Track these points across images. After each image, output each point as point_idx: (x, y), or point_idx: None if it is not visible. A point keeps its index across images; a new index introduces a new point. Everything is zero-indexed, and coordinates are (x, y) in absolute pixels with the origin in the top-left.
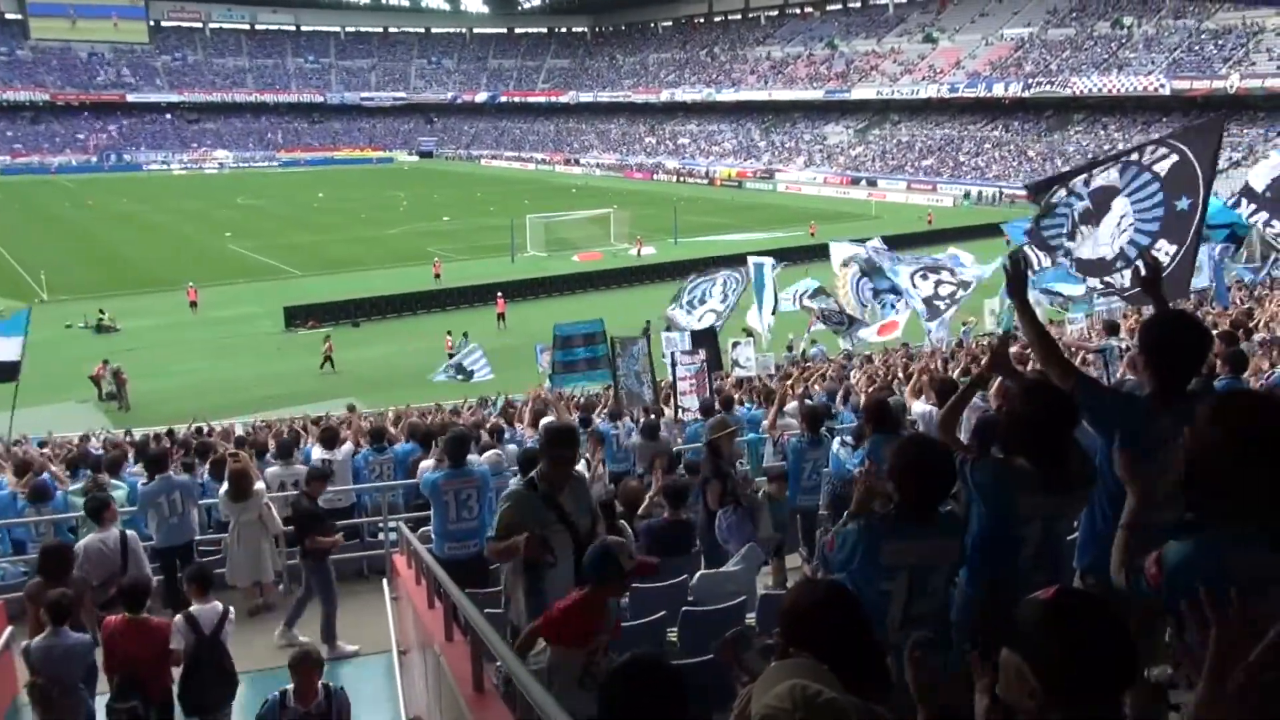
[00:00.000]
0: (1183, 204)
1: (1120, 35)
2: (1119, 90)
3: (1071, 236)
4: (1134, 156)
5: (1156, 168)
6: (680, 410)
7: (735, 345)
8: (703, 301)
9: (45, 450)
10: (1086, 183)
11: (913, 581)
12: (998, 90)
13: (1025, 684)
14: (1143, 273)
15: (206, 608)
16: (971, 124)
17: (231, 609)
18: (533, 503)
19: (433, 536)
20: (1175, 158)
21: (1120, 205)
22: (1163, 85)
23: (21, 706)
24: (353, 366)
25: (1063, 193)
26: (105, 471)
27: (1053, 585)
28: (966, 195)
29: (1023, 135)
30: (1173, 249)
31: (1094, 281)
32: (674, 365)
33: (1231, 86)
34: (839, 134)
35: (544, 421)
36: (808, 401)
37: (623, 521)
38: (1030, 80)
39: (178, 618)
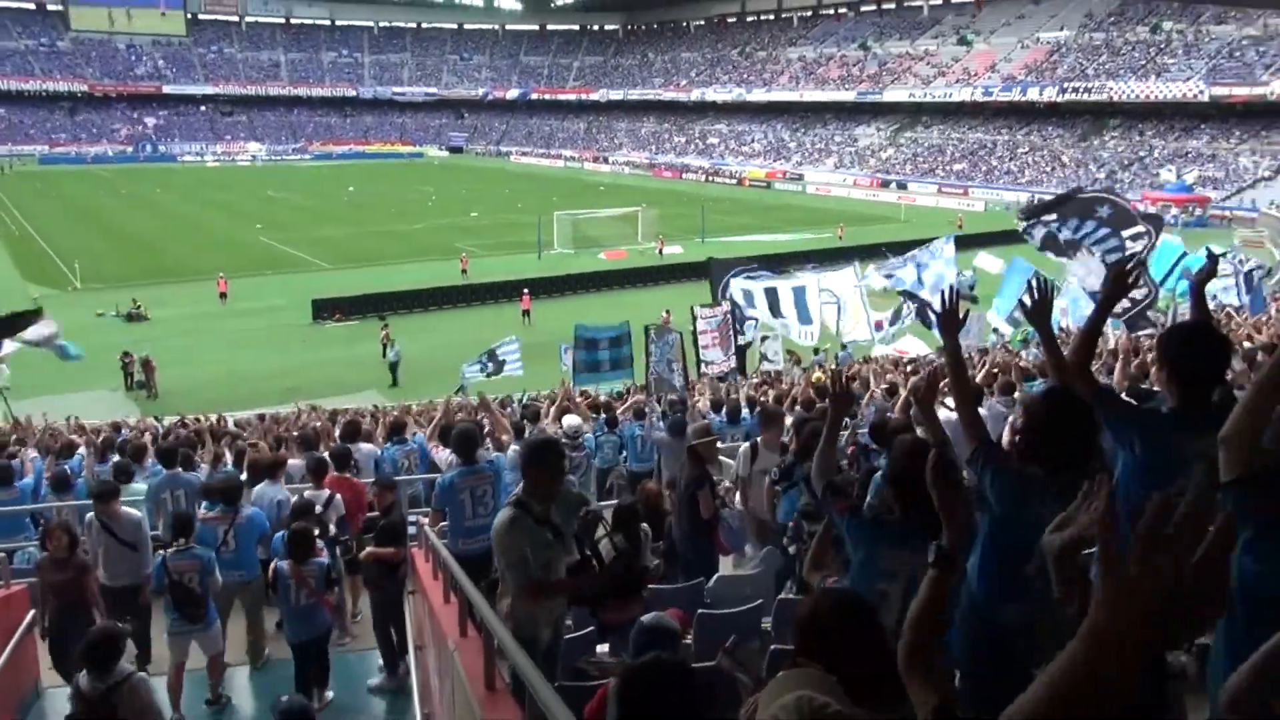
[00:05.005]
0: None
1: (1159, 40)
2: (1156, 96)
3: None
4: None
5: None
6: (703, 365)
7: (764, 339)
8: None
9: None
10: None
11: (909, 590)
12: (1032, 94)
13: None
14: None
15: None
16: (1005, 128)
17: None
18: (528, 526)
19: (447, 533)
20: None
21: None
22: (1201, 92)
23: (44, 689)
24: (377, 360)
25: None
26: (129, 458)
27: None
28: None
29: (1057, 140)
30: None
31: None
32: (694, 319)
33: (1272, 93)
34: (870, 136)
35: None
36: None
37: (645, 525)
38: (1065, 85)
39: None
